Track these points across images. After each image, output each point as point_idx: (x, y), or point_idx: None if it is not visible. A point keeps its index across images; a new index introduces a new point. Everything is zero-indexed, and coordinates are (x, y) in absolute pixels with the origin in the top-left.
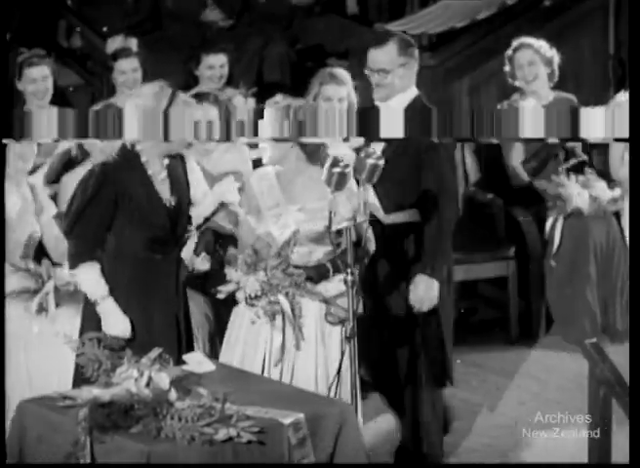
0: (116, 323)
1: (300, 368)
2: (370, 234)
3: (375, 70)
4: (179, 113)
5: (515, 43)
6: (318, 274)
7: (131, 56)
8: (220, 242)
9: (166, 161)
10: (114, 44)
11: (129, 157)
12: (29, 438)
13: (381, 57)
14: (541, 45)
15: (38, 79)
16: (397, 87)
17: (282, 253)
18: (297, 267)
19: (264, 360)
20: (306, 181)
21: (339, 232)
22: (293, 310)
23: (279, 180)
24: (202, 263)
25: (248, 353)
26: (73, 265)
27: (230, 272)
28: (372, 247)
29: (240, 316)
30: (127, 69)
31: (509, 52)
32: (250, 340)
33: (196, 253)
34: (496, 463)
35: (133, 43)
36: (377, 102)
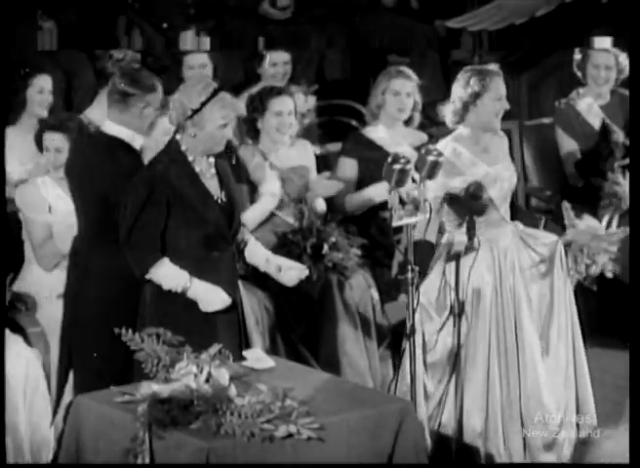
0: (212, 297)
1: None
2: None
3: None
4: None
5: (597, 40)
6: None
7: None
8: None
9: (212, 159)
10: (186, 39)
11: (176, 157)
12: (86, 434)
13: None
14: (620, 53)
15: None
16: None
17: None
18: None
19: None
20: None
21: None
22: None
23: None
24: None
25: None
26: (142, 272)
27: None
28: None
29: None
30: (195, 65)
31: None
32: None
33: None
34: (497, 463)
35: (205, 41)
36: None
